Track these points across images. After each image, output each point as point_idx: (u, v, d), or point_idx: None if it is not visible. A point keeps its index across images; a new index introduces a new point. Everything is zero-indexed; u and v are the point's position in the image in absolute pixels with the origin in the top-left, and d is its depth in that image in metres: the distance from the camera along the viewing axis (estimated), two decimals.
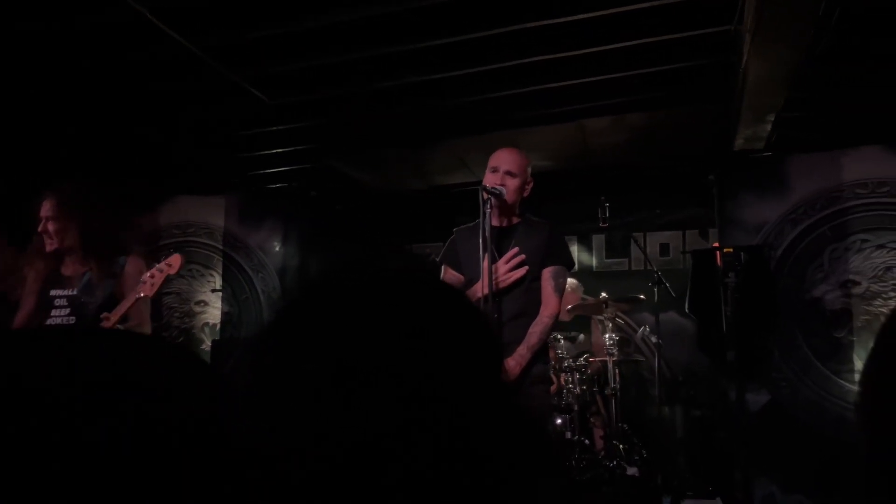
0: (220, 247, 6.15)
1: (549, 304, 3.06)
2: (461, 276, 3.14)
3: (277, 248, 6.25)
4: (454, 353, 0.57)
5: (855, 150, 5.25)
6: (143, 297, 2.95)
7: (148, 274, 3.00)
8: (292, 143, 5.54)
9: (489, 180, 3.06)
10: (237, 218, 6.19)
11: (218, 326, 5.95)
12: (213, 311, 6.08)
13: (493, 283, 2.92)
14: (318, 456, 0.51)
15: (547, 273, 3.10)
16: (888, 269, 5.14)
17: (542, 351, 3.09)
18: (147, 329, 3.03)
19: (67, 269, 3.16)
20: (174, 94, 4.70)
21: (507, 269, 2.99)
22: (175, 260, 3.03)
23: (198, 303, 6.03)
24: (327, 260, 6.27)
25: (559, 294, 3.12)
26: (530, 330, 3.01)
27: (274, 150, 5.66)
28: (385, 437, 0.51)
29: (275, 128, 5.24)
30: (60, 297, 3.11)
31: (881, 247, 5.15)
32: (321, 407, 0.52)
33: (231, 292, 6.10)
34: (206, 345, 5.83)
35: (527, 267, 3.09)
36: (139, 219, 5.66)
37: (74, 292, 3.13)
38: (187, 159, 5.75)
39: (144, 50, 3.97)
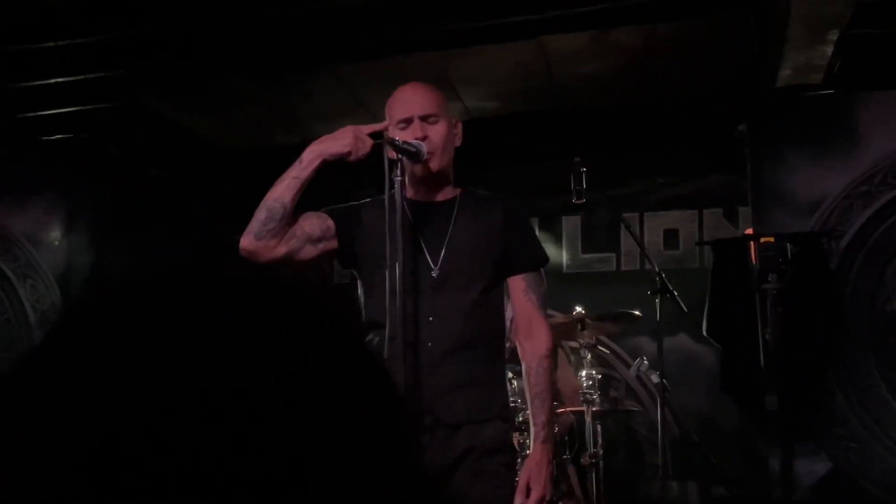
0: None
1: (538, 334, 3.14)
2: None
3: (58, 242, 6.36)
4: (323, 418, 0.63)
5: None
6: None
7: None
8: (81, 69, 5.44)
9: (402, 138, 3.07)
10: None
11: None
12: None
13: (414, 290, 2.97)
14: None
15: (520, 283, 3.15)
16: None
17: (498, 401, 3.14)
18: None
19: None
20: None
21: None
22: None
23: None
24: (137, 259, 6.31)
25: (544, 306, 3.21)
26: (532, 389, 3.10)
27: (52, 80, 5.54)
28: None
29: (53, 43, 5.13)
30: None
31: None
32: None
33: None
34: None
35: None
36: None
37: None
38: None
39: None
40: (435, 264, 3.05)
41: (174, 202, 6.78)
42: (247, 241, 2.94)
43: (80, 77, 5.51)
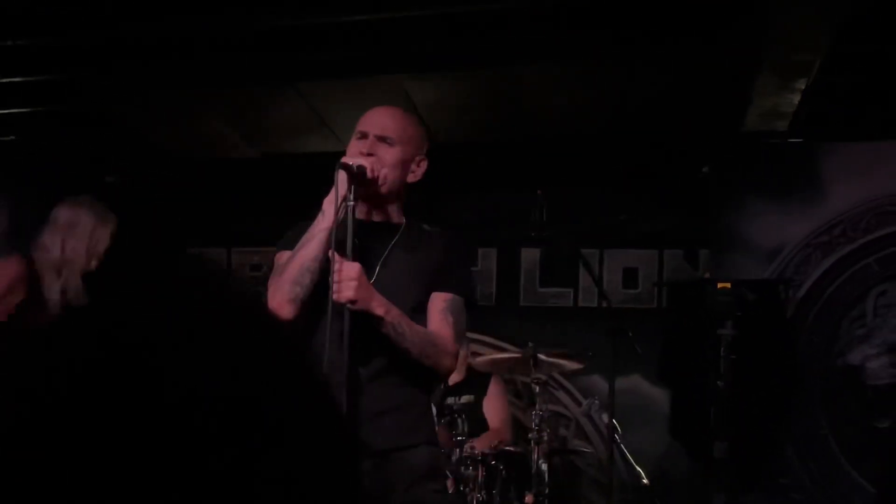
0: None
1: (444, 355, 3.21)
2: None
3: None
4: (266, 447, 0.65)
5: None
6: None
7: None
8: (36, 70, 5.36)
9: (353, 150, 3.09)
10: None
11: None
12: None
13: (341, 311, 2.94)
14: None
15: (441, 302, 3.15)
16: None
17: (425, 426, 3.18)
18: None
19: None
20: None
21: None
22: None
23: None
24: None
25: (460, 337, 3.24)
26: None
27: (4, 80, 5.42)
28: None
29: (4, 42, 4.98)
30: None
31: None
32: None
33: None
34: None
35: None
36: None
37: None
38: None
39: None
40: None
41: (130, 210, 6.54)
42: (291, 311, 2.97)
43: (33, 78, 5.47)
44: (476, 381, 5.62)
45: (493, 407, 5.61)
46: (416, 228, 3.24)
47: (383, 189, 3.08)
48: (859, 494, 5.24)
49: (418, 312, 3.11)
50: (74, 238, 4.13)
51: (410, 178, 3.17)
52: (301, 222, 3.21)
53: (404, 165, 3.12)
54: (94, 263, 4.18)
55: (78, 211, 4.23)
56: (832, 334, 5.44)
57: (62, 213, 4.23)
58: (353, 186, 2.94)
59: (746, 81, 5.00)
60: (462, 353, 5.41)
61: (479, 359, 5.35)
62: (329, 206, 2.98)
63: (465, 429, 5.06)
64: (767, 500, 5.40)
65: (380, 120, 3.15)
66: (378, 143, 3.07)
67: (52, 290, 4.08)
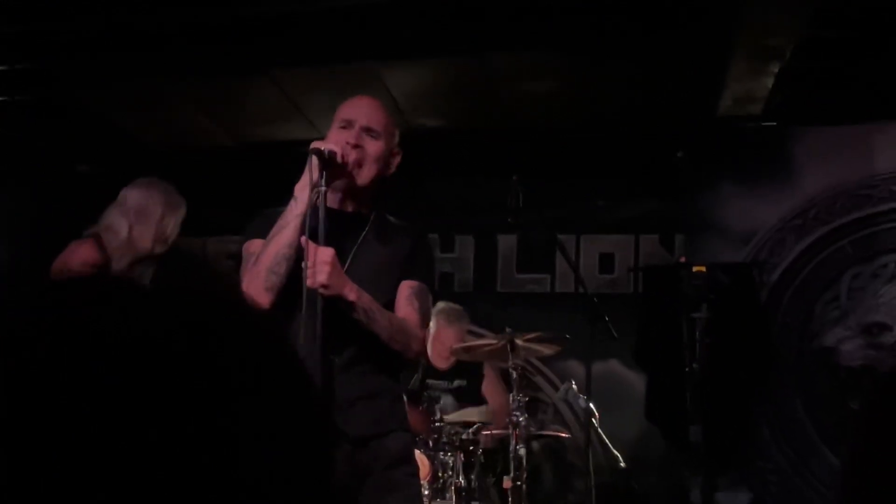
0: None
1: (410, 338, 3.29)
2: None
3: None
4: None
5: (894, 127, 5.62)
6: None
7: None
8: (5, 59, 5.42)
9: (336, 140, 3.08)
10: None
11: None
12: None
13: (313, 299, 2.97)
14: None
15: (406, 289, 3.21)
16: None
17: (398, 412, 3.22)
18: None
19: None
20: None
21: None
22: None
23: None
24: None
25: (425, 322, 3.30)
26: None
27: None
28: None
29: None
30: None
31: None
32: None
33: None
34: None
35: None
36: None
37: None
38: None
39: None
40: None
41: (103, 199, 6.77)
42: (268, 299, 3.01)
43: (4, 67, 5.49)
44: (468, 366, 5.66)
45: (490, 391, 5.67)
46: (384, 220, 3.28)
47: (367, 179, 3.11)
48: (834, 475, 5.24)
49: (388, 307, 3.14)
50: (142, 223, 4.09)
51: (389, 171, 3.21)
52: (266, 210, 3.25)
53: (385, 159, 3.16)
54: (160, 248, 4.14)
55: (148, 196, 4.18)
56: (806, 317, 5.50)
57: (131, 196, 4.17)
58: (324, 172, 2.95)
59: (720, 67, 5.06)
60: (460, 330, 5.66)
61: (456, 345, 5.35)
62: (301, 192, 3.00)
63: (452, 410, 5.18)
64: (744, 483, 5.45)
65: (366, 110, 3.18)
66: (364, 135, 3.09)
67: (121, 274, 4.03)
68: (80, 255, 4.03)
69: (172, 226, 4.17)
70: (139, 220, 4.09)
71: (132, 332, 0.69)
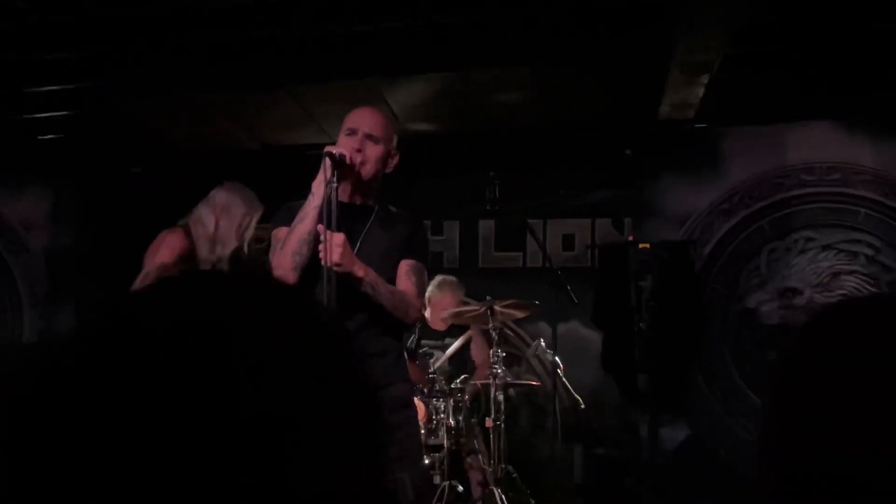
0: None
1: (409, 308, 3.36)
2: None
3: (45, 224, 6.38)
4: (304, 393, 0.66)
5: (803, 127, 5.78)
6: None
7: None
8: (71, 79, 5.58)
9: (344, 145, 3.21)
10: None
11: None
12: None
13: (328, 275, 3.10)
14: None
15: (405, 266, 3.34)
16: (835, 275, 5.63)
17: (401, 367, 3.35)
18: None
19: None
20: None
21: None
22: None
23: None
24: (113, 246, 6.21)
25: (421, 293, 3.44)
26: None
27: (46, 88, 5.69)
28: None
29: (50, 56, 5.28)
30: None
31: (828, 248, 5.66)
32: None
33: None
34: None
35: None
36: None
37: None
38: None
39: None
40: None
41: (152, 197, 6.68)
42: (294, 277, 3.10)
43: (72, 86, 5.67)
44: (458, 329, 5.75)
45: (475, 348, 5.80)
46: (387, 210, 3.39)
47: (367, 176, 3.24)
48: (757, 413, 5.41)
49: (392, 281, 3.29)
50: (226, 219, 4.19)
51: (388, 169, 3.34)
52: (288, 203, 3.38)
53: (384, 159, 3.29)
54: (237, 243, 4.20)
55: (232, 195, 4.26)
56: (732, 284, 5.72)
57: (219, 195, 4.27)
58: (335, 171, 3.08)
59: (660, 79, 5.24)
60: (456, 298, 5.82)
61: (444, 312, 5.45)
62: (318, 187, 3.10)
63: (450, 367, 5.36)
64: (683, 420, 5.67)
65: (368, 119, 3.29)
66: (366, 140, 3.21)
67: (205, 262, 4.13)
68: (170, 241, 4.12)
69: (251, 225, 4.27)
70: (224, 216, 4.20)
71: (263, 322, 0.67)
